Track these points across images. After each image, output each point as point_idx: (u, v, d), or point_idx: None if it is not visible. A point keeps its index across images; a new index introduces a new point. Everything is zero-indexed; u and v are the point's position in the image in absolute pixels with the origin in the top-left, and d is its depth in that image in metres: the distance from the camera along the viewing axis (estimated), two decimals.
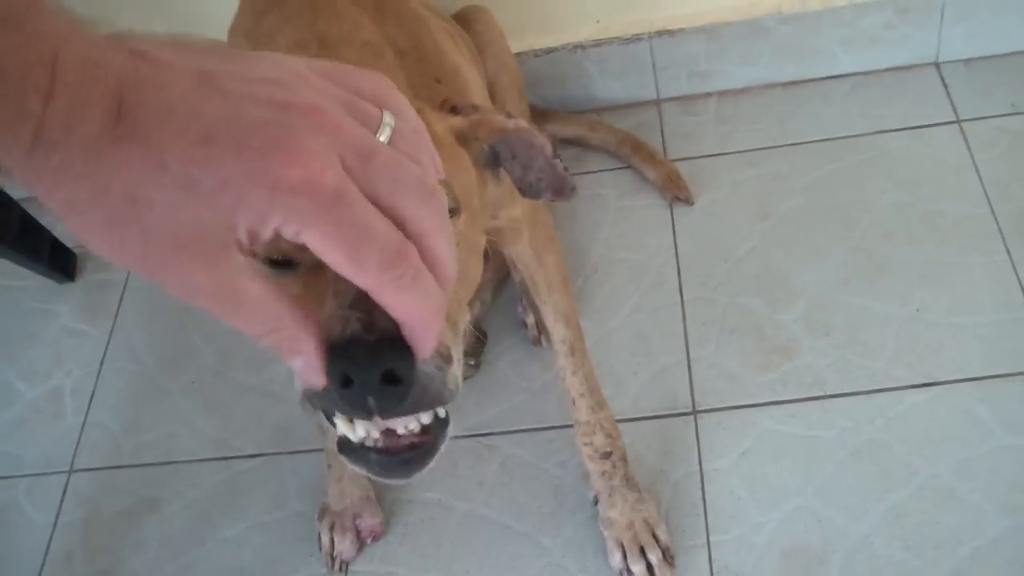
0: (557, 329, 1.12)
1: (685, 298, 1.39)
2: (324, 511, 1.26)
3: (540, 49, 1.57)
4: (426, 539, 1.25)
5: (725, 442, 1.26)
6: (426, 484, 1.28)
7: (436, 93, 0.93)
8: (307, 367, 0.44)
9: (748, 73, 1.59)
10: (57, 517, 1.38)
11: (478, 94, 1.07)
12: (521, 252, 1.07)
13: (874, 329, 1.31)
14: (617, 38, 1.55)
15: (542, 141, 0.75)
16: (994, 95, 1.51)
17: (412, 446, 0.57)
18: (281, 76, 0.40)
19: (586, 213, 1.50)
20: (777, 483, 1.22)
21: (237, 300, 0.40)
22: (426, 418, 0.57)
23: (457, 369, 0.56)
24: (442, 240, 0.42)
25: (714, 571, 1.17)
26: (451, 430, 0.58)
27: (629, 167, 1.55)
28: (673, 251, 1.44)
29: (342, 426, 0.56)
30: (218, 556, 1.30)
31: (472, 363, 1.35)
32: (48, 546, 1.35)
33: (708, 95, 1.62)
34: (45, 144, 0.34)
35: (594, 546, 1.21)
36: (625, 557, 1.17)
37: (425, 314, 0.42)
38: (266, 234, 0.38)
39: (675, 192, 1.48)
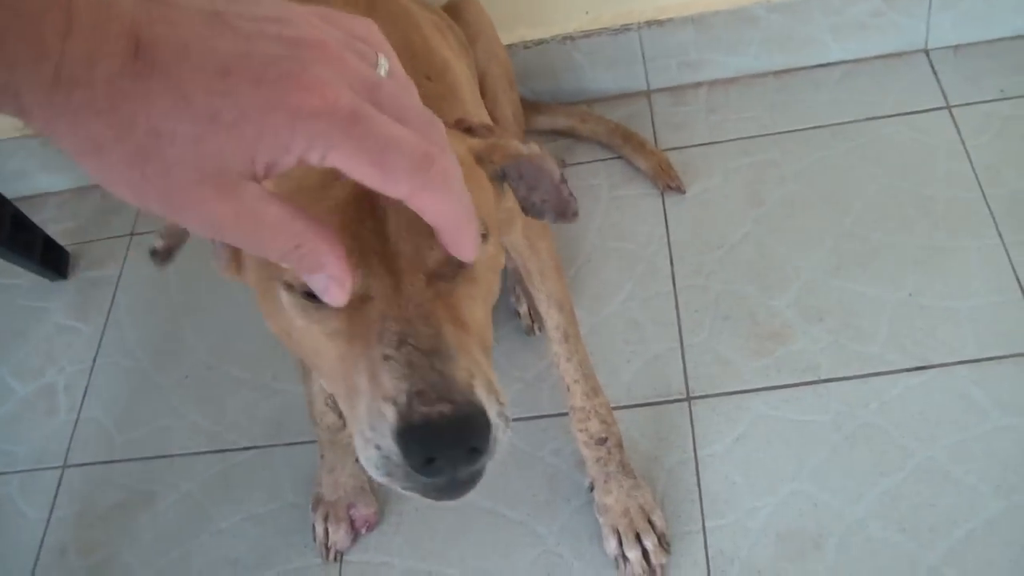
0: (551, 316, 1.12)
1: (678, 286, 1.39)
2: (318, 502, 1.26)
3: (530, 41, 1.57)
4: (421, 529, 1.25)
5: (719, 428, 1.26)
6: None
7: (427, 90, 0.93)
8: (332, 279, 0.44)
9: (738, 62, 1.59)
10: (51, 512, 1.37)
11: (467, 89, 1.07)
12: (514, 240, 1.07)
13: (867, 314, 1.31)
14: (606, 29, 1.55)
15: (552, 166, 0.76)
16: (983, 81, 1.51)
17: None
18: (285, 15, 0.41)
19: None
20: (772, 468, 1.22)
21: (258, 224, 0.40)
22: None
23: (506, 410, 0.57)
24: (451, 161, 0.44)
25: (710, 556, 1.17)
26: (499, 452, 0.57)
27: (620, 157, 1.55)
28: (665, 239, 1.44)
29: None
30: (212, 548, 1.29)
31: None
32: (42, 541, 1.35)
33: (698, 85, 1.62)
34: (66, 81, 0.35)
35: (589, 533, 1.20)
36: (621, 543, 1.17)
37: (462, 214, 0.43)
38: (289, 162, 0.39)
39: (666, 181, 1.48)
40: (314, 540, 1.26)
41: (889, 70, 1.56)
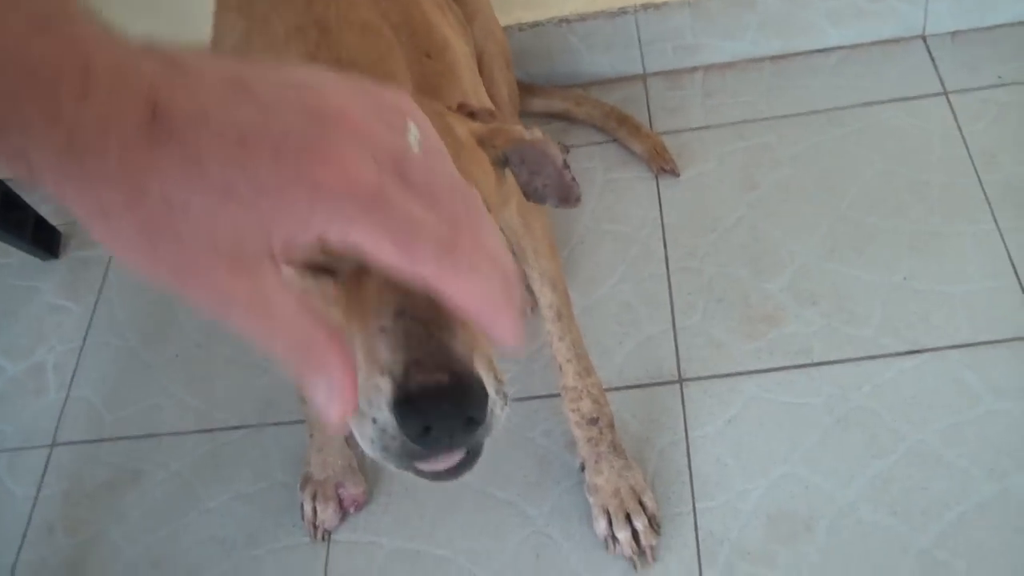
0: (544, 294, 1.11)
1: (671, 268, 1.38)
2: (306, 481, 1.25)
3: (526, 23, 1.57)
4: (409, 508, 1.24)
5: (711, 410, 1.25)
6: None
7: (426, 68, 0.92)
8: (331, 390, 0.41)
9: (734, 47, 1.58)
10: (39, 491, 1.36)
11: (466, 68, 1.06)
12: (509, 218, 1.06)
13: (861, 297, 1.30)
14: (603, 12, 1.55)
15: (555, 151, 0.76)
16: (981, 67, 1.51)
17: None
18: (310, 81, 0.39)
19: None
20: (763, 450, 1.21)
21: (268, 313, 0.38)
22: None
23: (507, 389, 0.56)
24: (489, 233, 0.41)
25: (700, 538, 1.16)
26: (495, 431, 0.56)
27: (615, 141, 1.54)
28: (659, 222, 1.43)
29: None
30: (201, 527, 1.28)
31: None
32: (29, 519, 1.34)
33: (694, 69, 1.61)
34: (79, 147, 0.33)
35: (579, 514, 1.20)
36: (611, 524, 1.16)
37: (495, 298, 0.40)
38: (307, 239, 0.37)
39: (661, 164, 1.47)
40: (302, 519, 1.25)
41: (886, 56, 1.55)
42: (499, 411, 0.54)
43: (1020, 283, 1.28)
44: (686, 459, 1.22)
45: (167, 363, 1.45)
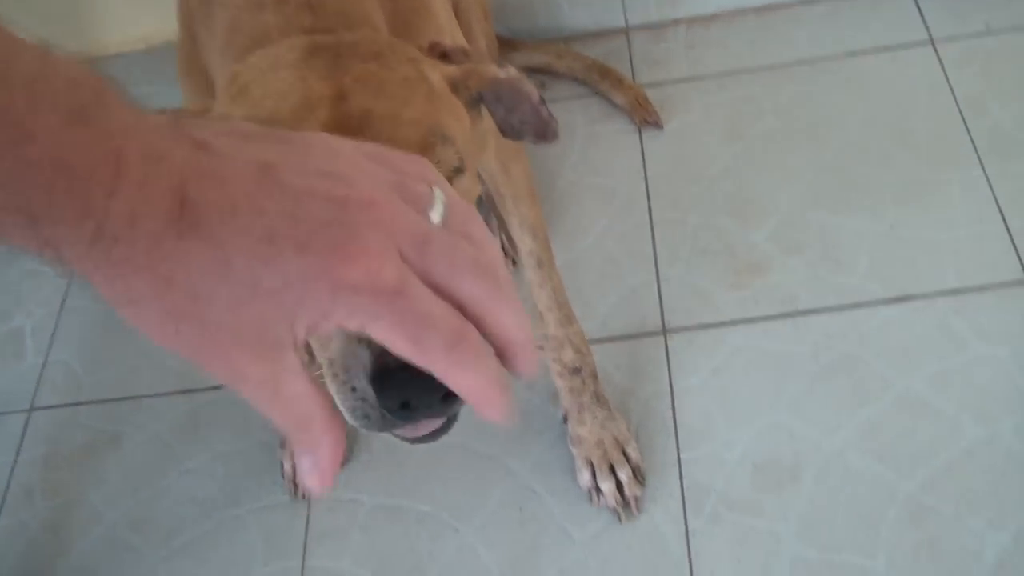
0: (524, 241, 1.09)
1: (654, 220, 1.36)
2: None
3: None
4: (390, 465, 1.23)
5: (696, 360, 1.23)
6: None
7: (399, 4, 0.90)
8: (315, 466, 0.43)
9: None
10: (17, 455, 1.34)
11: (441, 5, 1.03)
12: (487, 163, 1.04)
13: (847, 246, 1.29)
14: None
15: (529, 88, 0.75)
16: (968, 15, 1.48)
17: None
18: (337, 168, 0.41)
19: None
20: (749, 400, 1.19)
21: (276, 394, 0.40)
22: None
23: None
24: (506, 313, 0.43)
25: (685, 488, 1.15)
26: None
27: (597, 94, 1.52)
28: (642, 174, 1.41)
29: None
30: (180, 488, 1.27)
31: None
32: (8, 484, 1.32)
33: (677, 22, 1.59)
34: (107, 238, 0.34)
35: (562, 466, 1.18)
36: (594, 475, 1.14)
37: (481, 384, 0.42)
38: (327, 329, 0.39)
39: (644, 116, 1.45)
40: (282, 477, 1.23)
41: (872, 5, 1.53)
42: None
43: (1008, 229, 1.26)
44: (671, 410, 1.20)
45: None
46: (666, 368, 1.23)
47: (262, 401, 0.41)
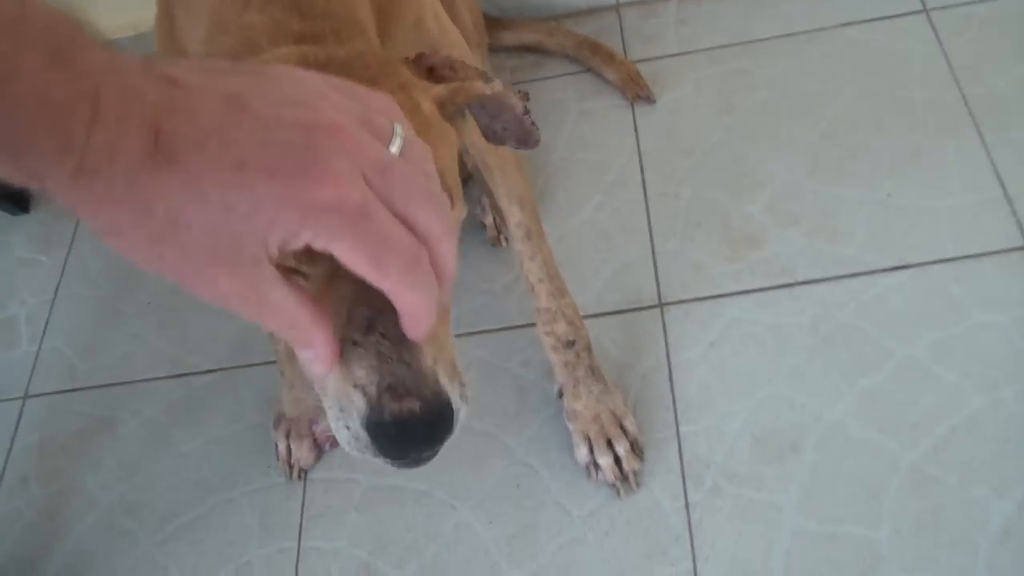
0: (512, 212, 1.08)
1: (649, 194, 1.35)
2: (279, 419, 1.22)
3: None
4: None
5: (693, 333, 1.22)
6: None
7: None
8: (315, 357, 0.48)
9: None
10: (12, 443, 1.34)
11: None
12: (472, 134, 1.02)
13: (844, 215, 1.27)
14: None
15: (514, 101, 0.76)
16: None
17: None
18: (304, 96, 0.43)
19: (545, 117, 1.45)
20: (747, 372, 1.18)
21: (261, 304, 0.43)
22: None
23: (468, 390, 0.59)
24: (447, 244, 0.47)
25: (684, 462, 1.13)
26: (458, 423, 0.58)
27: (588, 71, 1.51)
28: (636, 149, 1.40)
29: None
30: (175, 471, 1.26)
31: None
32: (3, 471, 1.31)
33: None
34: (88, 172, 0.37)
35: (559, 443, 1.17)
36: (592, 450, 1.13)
37: (426, 306, 0.47)
38: (296, 247, 0.41)
39: (636, 91, 1.43)
40: (277, 459, 1.22)
41: None
42: (462, 415, 0.56)
43: (1006, 195, 1.24)
44: (668, 384, 1.19)
45: (139, 310, 1.42)
46: (663, 342, 1.22)
47: (250, 312, 0.43)
